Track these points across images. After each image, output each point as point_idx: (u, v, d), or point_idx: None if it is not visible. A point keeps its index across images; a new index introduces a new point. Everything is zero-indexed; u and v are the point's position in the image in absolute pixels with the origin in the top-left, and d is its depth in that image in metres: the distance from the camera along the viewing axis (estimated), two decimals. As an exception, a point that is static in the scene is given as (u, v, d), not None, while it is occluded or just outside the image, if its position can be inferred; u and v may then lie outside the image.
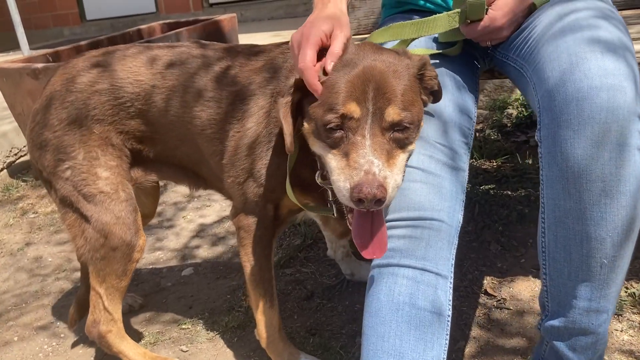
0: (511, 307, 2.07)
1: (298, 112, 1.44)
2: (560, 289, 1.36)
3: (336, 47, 1.35)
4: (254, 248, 1.75)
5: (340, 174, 1.26)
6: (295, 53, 1.38)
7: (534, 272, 2.24)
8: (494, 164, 3.14)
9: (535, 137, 1.33)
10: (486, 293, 2.17)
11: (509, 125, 3.59)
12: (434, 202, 1.39)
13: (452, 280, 1.40)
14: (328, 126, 1.28)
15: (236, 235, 1.79)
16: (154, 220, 3.11)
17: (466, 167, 1.52)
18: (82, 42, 4.00)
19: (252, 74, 1.70)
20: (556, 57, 1.32)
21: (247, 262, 1.77)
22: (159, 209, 3.21)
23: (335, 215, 1.57)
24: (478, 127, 3.61)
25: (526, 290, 2.16)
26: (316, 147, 1.38)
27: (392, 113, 1.27)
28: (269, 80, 1.66)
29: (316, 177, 1.53)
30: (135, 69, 1.80)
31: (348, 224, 1.39)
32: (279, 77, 1.65)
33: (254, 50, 1.77)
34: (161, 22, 4.40)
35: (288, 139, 1.39)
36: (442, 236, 1.39)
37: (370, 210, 1.27)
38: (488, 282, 2.24)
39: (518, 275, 2.24)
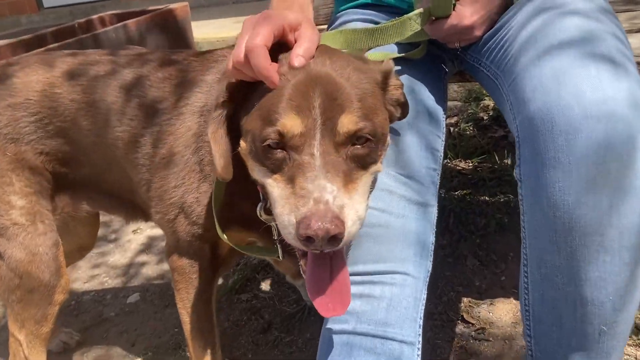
0: (491, 339, 1.85)
1: (234, 129, 1.14)
2: (548, 356, 1.11)
3: (306, 43, 1.04)
4: (190, 293, 1.48)
5: (285, 206, 0.96)
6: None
7: (515, 292, 2.02)
8: (470, 164, 2.90)
9: (514, 174, 1.08)
10: (463, 320, 1.94)
11: (485, 118, 3.35)
12: (396, 251, 1.13)
13: (420, 346, 1.14)
14: (265, 144, 0.99)
15: (172, 278, 1.52)
16: (100, 233, 2.81)
17: (435, 200, 1.25)
18: (24, 37, 3.64)
19: (179, 89, 1.42)
20: (538, 73, 1.05)
21: (184, 309, 1.50)
22: (105, 219, 2.92)
23: (281, 258, 1.30)
24: (452, 121, 3.37)
25: (507, 314, 1.93)
26: (255, 172, 1.08)
27: (347, 122, 0.98)
28: (198, 96, 1.39)
29: (258, 212, 1.23)
30: (52, 79, 1.54)
31: (302, 272, 1.08)
32: (210, 92, 1.38)
33: (180, 61, 1.49)
34: (110, 12, 4.05)
35: (218, 162, 1.10)
36: (407, 293, 1.13)
37: (325, 252, 0.98)
38: (465, 304, 2.01)
39: (498, 297, 2.02)
